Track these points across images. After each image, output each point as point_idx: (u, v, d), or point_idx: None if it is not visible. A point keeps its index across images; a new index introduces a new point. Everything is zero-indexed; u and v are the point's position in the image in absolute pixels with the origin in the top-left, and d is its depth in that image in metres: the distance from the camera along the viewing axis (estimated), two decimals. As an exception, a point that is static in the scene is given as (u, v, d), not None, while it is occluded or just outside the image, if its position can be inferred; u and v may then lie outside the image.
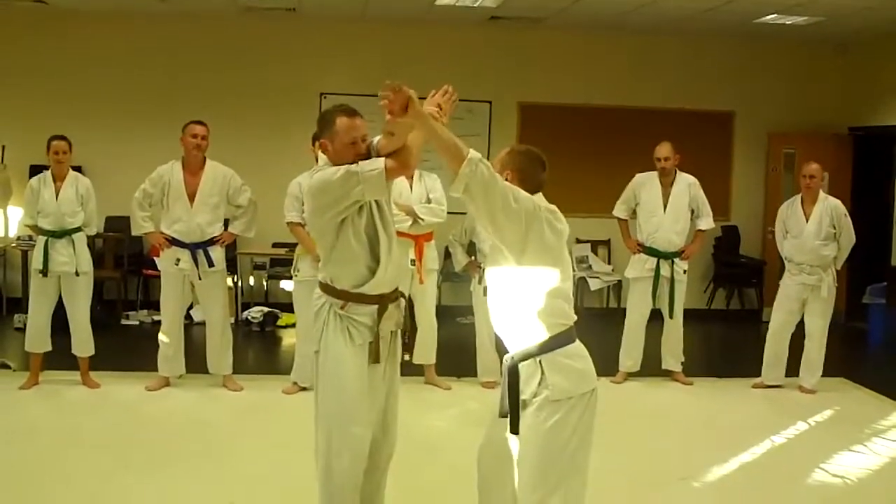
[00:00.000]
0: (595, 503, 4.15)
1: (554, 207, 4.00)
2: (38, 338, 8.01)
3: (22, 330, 8.29)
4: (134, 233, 8.31)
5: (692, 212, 8.72)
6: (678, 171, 8.66)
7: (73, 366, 8.11)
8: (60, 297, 8.04)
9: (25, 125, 11.03)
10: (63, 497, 5.55)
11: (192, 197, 7.87)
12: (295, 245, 8.27)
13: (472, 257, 8.42)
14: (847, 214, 8.60)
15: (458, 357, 8.53)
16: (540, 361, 3.88)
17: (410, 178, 8.18)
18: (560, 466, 3.84)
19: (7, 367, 8.58)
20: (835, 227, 8.51)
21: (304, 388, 8.04)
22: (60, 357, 8.11)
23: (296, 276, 8.08)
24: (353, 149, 4.36)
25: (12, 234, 11.49)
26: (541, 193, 4.08)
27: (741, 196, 12.73)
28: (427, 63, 11.68)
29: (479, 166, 3.71)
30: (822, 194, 8.63)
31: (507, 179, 3.96)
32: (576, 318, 4.00)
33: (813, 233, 8.51)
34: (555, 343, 3.89)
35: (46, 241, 7.87)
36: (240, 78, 11.80)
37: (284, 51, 11.99)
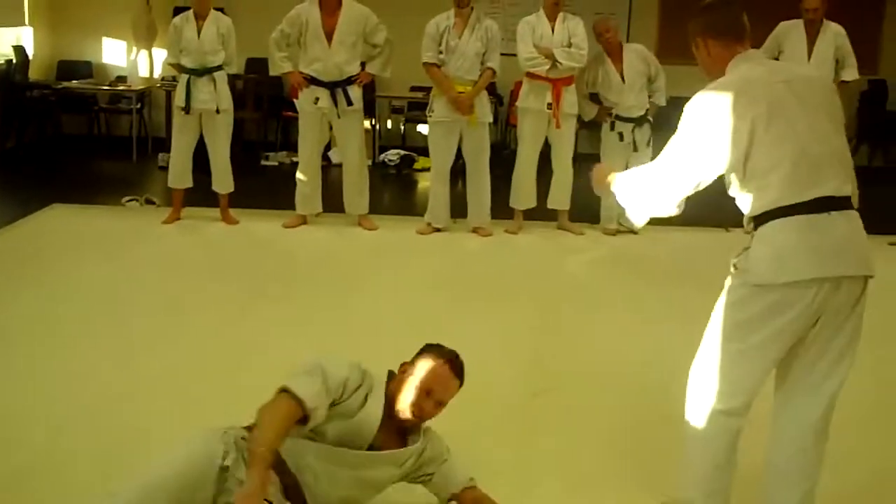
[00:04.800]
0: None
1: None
2: (179, 174, 8.18)
3: (166, 168, 8.45)
4: (272, 72, 8.37)
5: (837, 62, 8.38)
6: (824, 20, 8.30)
7: (214, 203, 8.29)
8: (202, 137, 8.17)
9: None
10: (203, 324, 5.70)
11: (329, 36, 7.84)
12: (431, 88, 8.24)
13: (601, 105, 8.33)
14: None
15: (593, 204, 8.45)
16: None
17: (553, 20, 8.04)
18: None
19: (152, 202, 8.83)
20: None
21: (437, 229, 8.11)
22: (202, 195, 8.29)
23: (430, 116, 8.09)
24: None
25: (157, 74, 11.69)
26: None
27: (891, 49, 12.17)
28: None
29: None
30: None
31: (706, 49, 3.45)
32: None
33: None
34: None
35: (189, 79, 7.96)
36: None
37: None
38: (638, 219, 3.80)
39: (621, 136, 8.26)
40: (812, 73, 3.90)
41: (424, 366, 3.40)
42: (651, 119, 8.36)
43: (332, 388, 3.19)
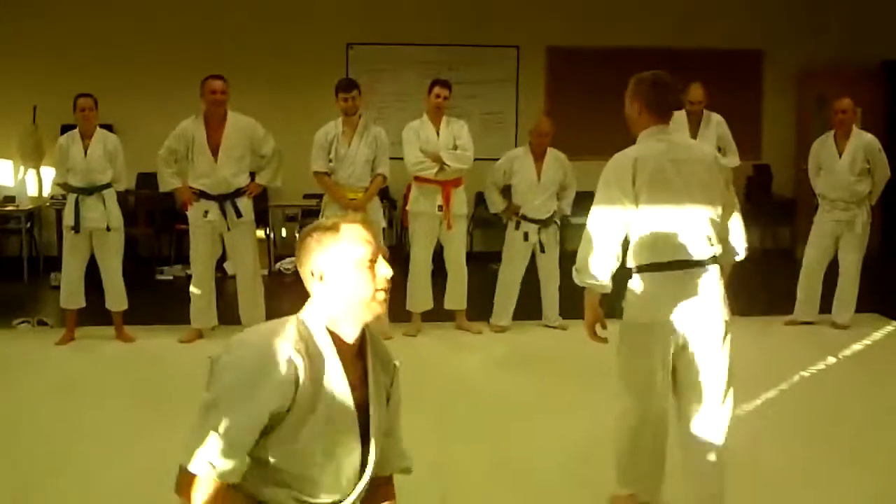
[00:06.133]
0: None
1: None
2: (72, 294, 8.07)
3: (58, 288, 8.33)
4: (161, 189, 8.34)
5: (719, 149, 8.64)
6: (705, 111, 8.57)
7: (109, 321, 8.17)
8: (94, 255, 8.09)
9: (56, 86, 10.98)
10: (98, 449, 5.57)
11: (215, 151, 7.87)
12: (323, 196, 8.28)
13: (509, 202, 8.42)
14: (881, 149, 8.49)
15: (489, 302, 8.52)
16: None
17: (438, 124, 8.19)
18: None
19: (44, 324, 8.68)
20: (869, 163, 8.41)
21: (336, 336, 8.10)
22: (95, 313, 8.18)
23: (323, 225, 8.11)
24: None
25: (46, 193, 11.59)
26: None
27: (772, 135, 12.65)
28: (455, 8, 11.66)
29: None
30: (855, 129, 8.53)
31: (637, 112, 4.22)
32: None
33: (847, 168, 8.42)
34: None
35: (77, 198, 7.92)
36: (265, 29, 11.80)
37: (310, 1, 11.95)
38: (602, 276, 4.13)
39: (526, 235, 8.39)
40: (700, 154, 4.35)
41: (333, 244, 2.73)
42: (558, 221, 8.51)
43: (249, 416, 2.60)
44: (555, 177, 8.39)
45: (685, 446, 4.26)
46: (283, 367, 2.60)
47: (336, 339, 2.75)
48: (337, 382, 2.71)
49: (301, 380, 2.62)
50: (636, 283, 4.17)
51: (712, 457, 4.18)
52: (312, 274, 2.75)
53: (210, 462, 2.57)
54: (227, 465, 2.58)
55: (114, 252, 8.08)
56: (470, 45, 12.06)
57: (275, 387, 2.59)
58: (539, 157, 8.30)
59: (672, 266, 4.07)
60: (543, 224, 8.42)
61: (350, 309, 2.73)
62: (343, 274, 2.71)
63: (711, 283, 4.10)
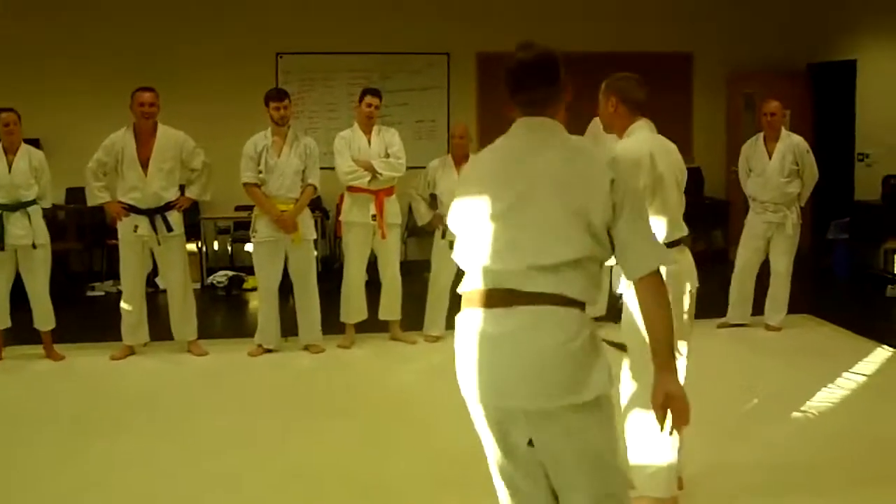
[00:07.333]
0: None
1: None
2: (-2, 313, 7.94)
3: (-17, 307, 8.19)
4: (90, 203, 8.16)
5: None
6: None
7: (37, 340, 8.03)
8: (19, 273, 7.94)
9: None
10: (29, 469, 5.49)
11: (145, 164, 7.77)
12: (255, 208, 8.20)
13: (435, 210, 8.37)
14: (810, 151, 8.59)
15: (424, 312, 8.49)
16: None
17: (369, 133, 8.15)
18: None
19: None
20: (798, 164, 8.49)
21: (269, 350, 8.04)
22: (24, 332, 8.03)
23: (254, 236, 8.06)
24: None
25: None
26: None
27: (703, 138, 12.74)
28: (384, 16, 11.64)
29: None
30: (784, 131, 8.62)
31: (613, 106, 4.59)
32: None
33: (776, 170, 8.50)
34: None
35: (1, 215, 7.76)
36: (194, 40, 11.68)
37: (239, 10, 11.85)
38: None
39: (451, 244, 8.31)
40: (673, 147, 4.77)
41: None
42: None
43: None
44: None
45: None
46: None
47: None
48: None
49: None
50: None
51: None
52: None
53: None
54: None
55: (40, 269, 7.93)
56: (400, 53, 12.03)
57: None
58: (460, 163, 8.13)
59: (679, 241, 4.65)
60: None
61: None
62: None
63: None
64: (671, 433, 3.13)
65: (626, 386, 4.62)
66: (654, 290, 3.05)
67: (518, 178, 3.04)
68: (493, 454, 3.19)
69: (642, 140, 4.55)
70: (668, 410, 3.02)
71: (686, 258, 4.69)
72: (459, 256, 3.23)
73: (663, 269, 3.13)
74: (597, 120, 8.45)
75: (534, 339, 2.95)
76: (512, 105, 3.16)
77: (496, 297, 3.02)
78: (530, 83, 3.10)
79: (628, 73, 4.70)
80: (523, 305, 2.96)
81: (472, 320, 3.10)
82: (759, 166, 8.63)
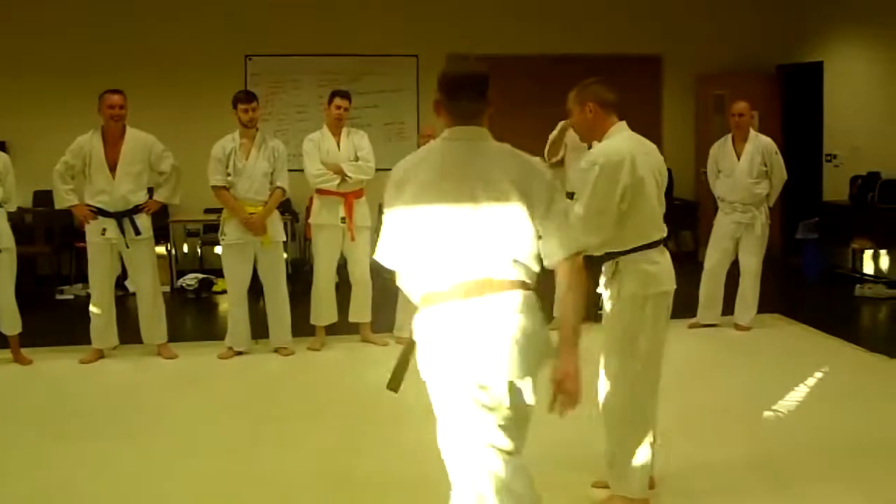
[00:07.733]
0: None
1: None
2: (-37, 318, 7.86)
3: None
4: (57, 206, 8.09)
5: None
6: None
7: (4, 344, 7.97)
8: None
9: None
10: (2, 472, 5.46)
11: (113, 167, 7.73)
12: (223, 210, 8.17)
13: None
14: (778, 152, 8.63)
15: (394, 314, 8.47)
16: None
17: (338, 135, 8.14)
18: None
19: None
20: (766, 165, 8.54)
21: (239, 353, 8.02)
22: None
23: (223, 239, 8.03)
24: None
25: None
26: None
27: (672, 139, 12.71)
28: (353, 19, 11.62)
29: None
30: (752, 132, 8.67)
31: (591, 111, 4.61)
32: None
33: (745, 171, 8.55)
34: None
35: (-35, 219, 7.71)
36: (162, 42, 11.62)
37: (208, 12, 11.81)
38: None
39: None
40: (653, 147, 4.81)
41: None
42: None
43: None
44: None
45: None
46: None
47: None
48: None
49: None
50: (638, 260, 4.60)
51: None
52: None
53: None
54: None
55: (5, 274, 7.84)
56: (369, 55, 12.02)
57: None
58: None
59: (659, 242, 4.68)
60: None
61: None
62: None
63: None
64: (561, 415, 3.38)
65: (603, 386, 4.63)
66: (568, 274, 3.39)
67: (462, 181, 3.35)
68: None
69: (623, 141, 4.57)
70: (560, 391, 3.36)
71: (665, 259, 4.71)
72: (398, 258, 3.67)
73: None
74: (571, 133, 8.55)
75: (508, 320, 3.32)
76: (443, 109, 3.49)
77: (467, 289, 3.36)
78: (462, 95, 3.46)
79: (593, 77, 4.74)
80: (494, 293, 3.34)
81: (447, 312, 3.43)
82: (728, 167, 8.67)
